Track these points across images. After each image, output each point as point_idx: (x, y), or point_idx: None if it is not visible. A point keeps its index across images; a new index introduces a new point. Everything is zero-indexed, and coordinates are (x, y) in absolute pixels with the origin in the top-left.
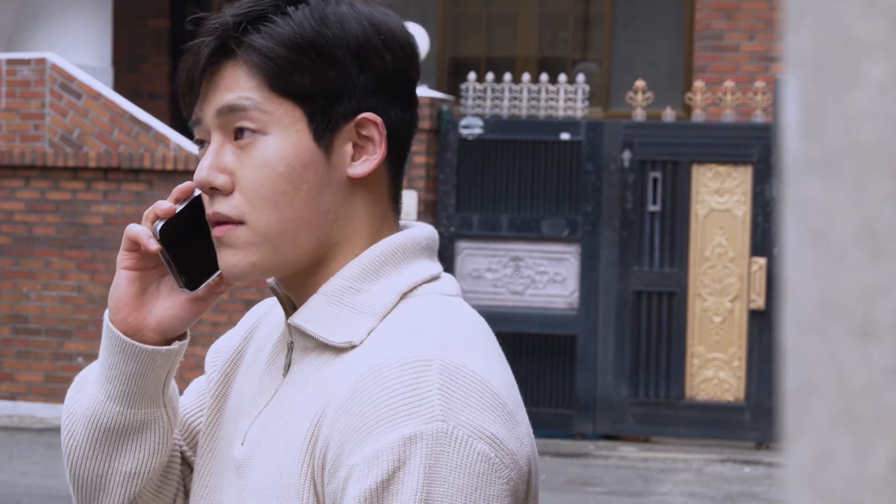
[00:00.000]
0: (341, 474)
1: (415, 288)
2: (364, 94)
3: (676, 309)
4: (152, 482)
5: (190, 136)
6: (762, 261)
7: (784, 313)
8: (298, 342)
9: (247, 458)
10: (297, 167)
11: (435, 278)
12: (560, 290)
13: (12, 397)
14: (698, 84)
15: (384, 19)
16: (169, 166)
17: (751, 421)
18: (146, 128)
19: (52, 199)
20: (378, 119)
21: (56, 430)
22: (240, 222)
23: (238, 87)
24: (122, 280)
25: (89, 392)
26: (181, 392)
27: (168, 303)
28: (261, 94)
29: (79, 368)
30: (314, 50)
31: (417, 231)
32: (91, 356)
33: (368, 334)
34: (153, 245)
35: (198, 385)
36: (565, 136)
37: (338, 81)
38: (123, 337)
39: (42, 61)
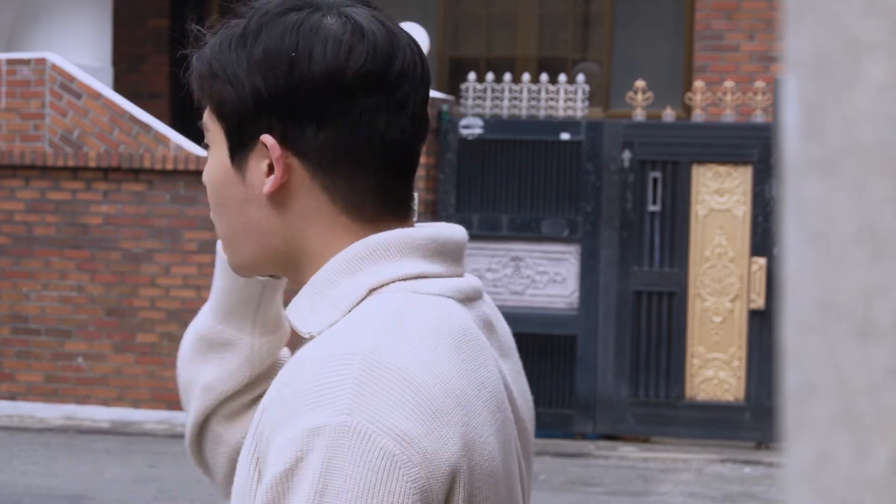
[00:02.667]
0: (267, 460)
1: (386, 284)
2: (267, 114)
3: (676, 309)
4: (229, 407)
5: (189, 135)
6: (762, 261)
7: (784, 313)
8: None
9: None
10: (218, 183)
11: (419, 277)
12: (560, 290)
13: (12, 397)
14: (698, 84)
15: (313, 34)
16: (169, 166)
17: (751, 421)
18: (146, 128)
19: (52, 199)
20: (269, 141)
21: (55, 431)
22: None
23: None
24: None
25: (206, 304)
26: None
27: None
28: (207, 112)
29: (79, 368)
30: (222, 70)
31: (412, 230)
32: (91, 356)
33: (329, 327)
34: None
35: None
36: (565, 136)
37: (241, 101)
38: (221, 252)
39: (42, 61)
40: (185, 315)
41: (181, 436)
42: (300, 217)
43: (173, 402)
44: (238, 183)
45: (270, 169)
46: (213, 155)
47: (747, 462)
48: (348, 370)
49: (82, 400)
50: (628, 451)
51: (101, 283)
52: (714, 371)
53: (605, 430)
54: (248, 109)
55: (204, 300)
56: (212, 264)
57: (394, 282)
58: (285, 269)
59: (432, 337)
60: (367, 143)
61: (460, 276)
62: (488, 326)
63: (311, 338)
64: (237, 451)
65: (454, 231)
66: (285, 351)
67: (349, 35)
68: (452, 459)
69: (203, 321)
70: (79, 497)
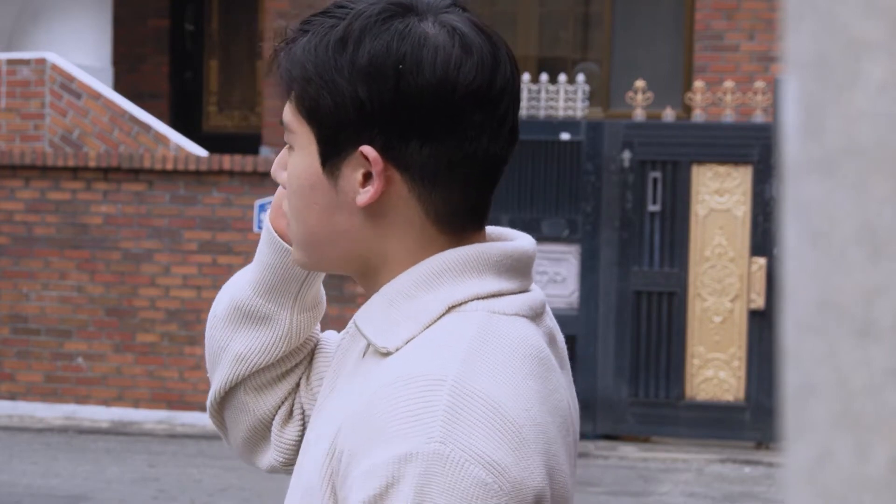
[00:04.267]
0: (348, 483)
1: (466, 302)
2: (369, 125)
3: (676, 309)
4: (259, 379)
5: (189, 135)
6: (762, 261)
7: (784, 313)
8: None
9: (306, 440)
10: (306, 187)
11: (496, 295)
12: (560, 290)
13: (12, 397)
14: (698, 84)
15: (420, 45)
16: (169, 166)
17: (751, 421)
18: (146, 128)
19: (52, 199)
20: (372, 153)
21: (55, 431)
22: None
23: (286, 103)
24: (280, 192)
25: (244, 274)
26: None
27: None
28: (290, 112)
29: (79, 368)
30: (318, 75)
31: (491, 245)
32: (91, 356)
33: (407, 343)
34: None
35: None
36: (565, 136)
37: (340, 109)
38: (271, 227)
39: (42, 61)
40: (185, 315)
41: (181, 436)
42: (390, 226)
43: (173, 402)
44: (328, 189)
45: (365, 178)
46: (300, 157)
47: (747, 462)
48: (438, 396)
49: (82, 400)
50: (628, 451)
51: (101, 283)
52: (714, 371)
53: (605, 430)
54: (346, 118)
55: (204, 300)
56: (212, 264)
57: (472, 300)
58: (360, 273)
59: (514, 362)
60: (469, 158)
61: (529, 289)
62: (552, 340)
63: (389, 353)
64: (261, 422)
65: (525, 243)
66: (317, 326)
67: (458, 48)
68: (538, 488)
69: (241, 292)
70: (79, 497)
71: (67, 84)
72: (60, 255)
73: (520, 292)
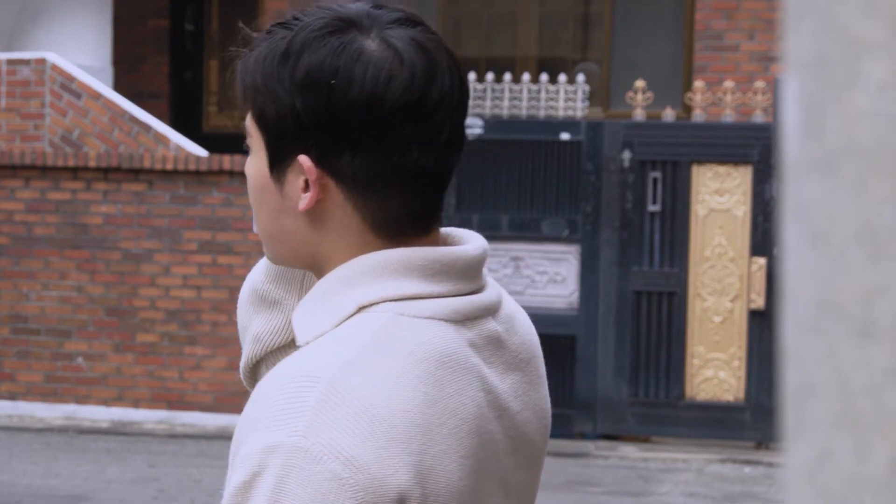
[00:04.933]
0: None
1: (377, 303)
2: (305, 135)
3: (676, 309)
4: (276, 357)
5: (189, 135)
6: (762, 261)
7: (784, 313)
8: None
9: None
10: (258, 189)
11: (413, 298)
12: (560, 290)
13: (12, 397)
14: (698, 84)
15: (354, 59)
16: (169, 166)
17: (751, 421)
18: (146, 128)
19: (52, 199)
20: (306, 163)
21: (55, 431)
22: None
23: None
24: None
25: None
26: None
27: None
28: (249, 118)
29: (79, 368)
30: (263, 85)
31: (419, 250)
32: (91, 356)
33: (316, 338)
34: None
35: None
36: (565, 136)
37: (281, 119)
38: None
39: (42, 61)
40: (185, 315)
41: (181, 436)
42: (331, 231)
43: (173, 402)
44: (276, 192)
45: (307, 185)
46: (254, 160)
47: (747, 462)
48: (311, 392)
49: (82, 400)
50: (628, 451)
51: (101, 283)
52: (714, 371)
53: (605, 430)
54: (287, 128)
55: (204, 300)
56: (211, 264)
57: (384, 301)
58: (313, 270)
59: (403, 364)
60: (400, 169)
61: (474, 292)
62: (493, 343)
63: (299, 347)
64: None
65: (468, 248)
66: None
67: (389, 63)
68: (402, 485)
69: (257, 276)
70: (79, 497)
71: (67, 84)
72: (60, 255)
73: (452, 296)
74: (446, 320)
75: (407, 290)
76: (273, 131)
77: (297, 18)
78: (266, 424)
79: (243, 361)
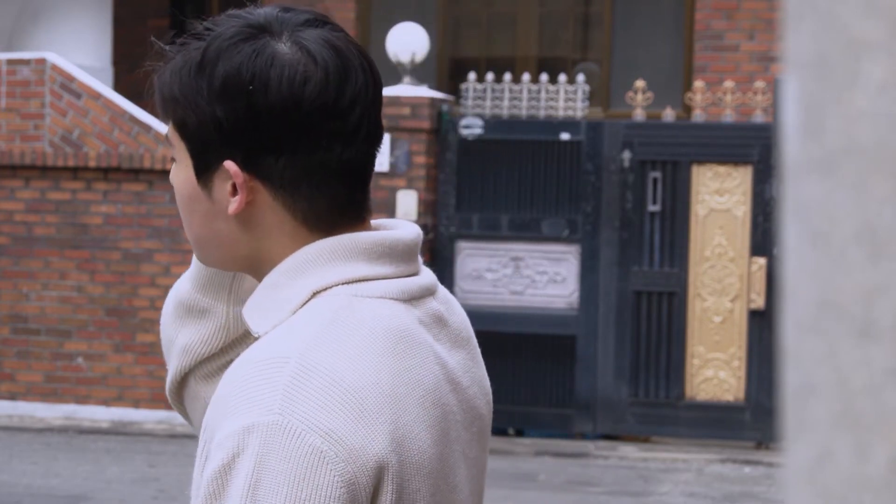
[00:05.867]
0: (208, 455)
1: (329, 287)
2: (228, 141)
3: (676, 309)
4: (207, 367)
5: None
6: (762, 261)
7: (784, 313)
8: None
9: None
10: (186, 197)
11: (363, 280)
12: (560, 290)
13: (12, 397)
14: (698, 84)
15: (268, 64)
16: (169, 166)
17: (751, 421)
18: (146, 128)
19: (52, 199)
20: (232, 168)
21: (55, 431)
22: None
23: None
24: None
25: (188, 270)
26: None
27: None
28: (170, 128)
29: (79, 368)
30: (182, 96)
31: (361, 235)
32: (91, 356)
33: (273, 328)
34: None
35: None
36: (565, 136)
37: (202, 128)
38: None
39: (42, 61)
40: None
41: (181, 436)
42: (263, 230)
43: None
44: (205, 198)
45: (235, 188)
46: (179, 169)
47: (747, 462)
48: (281, 372)
49: (82, 400)
50: (628, 451)
51: (101, 283)
52: (714, 371)
53: (605, 430)
54: (209, 136)
55: None
56: None
57: (337, 285)
58: (250, 271)
59: (365, 340)
60: (324, 166)
61: (413, 275)
62: (438, 321)
63: (258, 338)
64: None
65: (404, 232)
66: None
67: (304, 65)
68: (379, 455)
69: (182, 288)
70: (79, 497)
71: (67, 84)
72: (60, 255)
73: (395, 277)
74: (396, 299)
75: (356, 272)
76: (196, 140)
77: (208, 29)
78: (239, 408)
79: (171, 376)
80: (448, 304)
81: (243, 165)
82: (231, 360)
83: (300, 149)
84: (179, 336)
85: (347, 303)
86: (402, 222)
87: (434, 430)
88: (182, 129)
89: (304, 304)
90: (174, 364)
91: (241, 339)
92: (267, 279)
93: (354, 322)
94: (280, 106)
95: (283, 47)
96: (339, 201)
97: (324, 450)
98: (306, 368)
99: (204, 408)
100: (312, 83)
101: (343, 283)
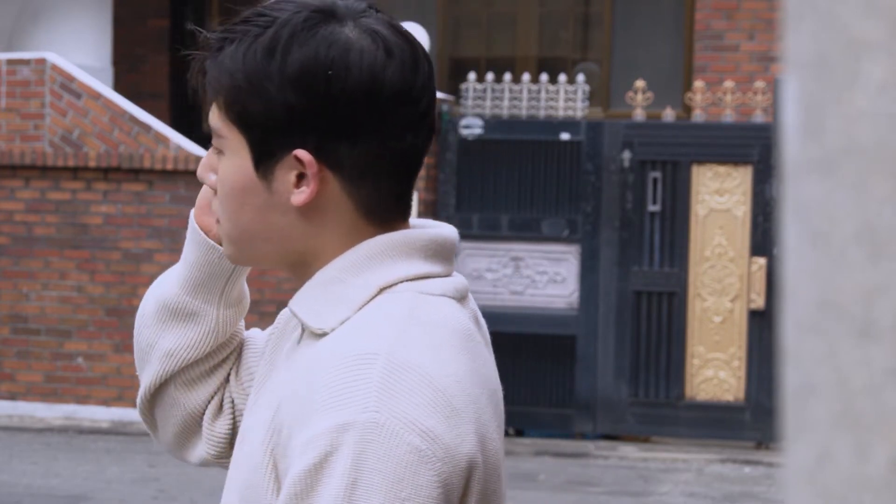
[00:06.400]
0: (288, 455)
1: (395, 284)
2: (301, 129)
3: (676, 309)
4: (189, 374)
5: (189, 135)
6: (762, 261)
7: (784, 313)
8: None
9: (246, 427)
10: (238, 189)
11: (423, 277)
12: (560, 290)
13: (12, 397)
14: (698, 84)
15: (346, 49)
16: (169, 166)
17: (751, 421)
18: (146, 128)
19: (52, 199)
20: (307, 157)
21: (55, 431)
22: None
23: (211, 109)
24: (205, 190)
25: (172, 272)
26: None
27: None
28: (219, 118)
29: (79, 368)
30: (249, 84)
31: (417, 231)
32: (91, 356)
33: (342, 324)
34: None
35: (269, 330)
36: (565, 136)
37: (272, 115)
38: (196, 226)
39: (42, 61)
40: None
41: None
42: (323, 223)
43: None
44: (262, 191)
45: (298, 179)
46: (231, 161)
47: (747, 462)
48: (372, 369)
49: (82, 400)
50: (628, 451)
51: (101, 283)
52: (714, 371)
53: (605, 430)
54: (278, 124)
55: None
56: None
57: (402, 282)
58: (292, 265)
59: (443, 338)
60: (393, 154)
61: (452, 274)
62: (477, 321)
63: (324, 334)
64: (191, 416)
65: (449, 231)
66: (241, 323)
67: (381, 51)
68: (470, 454)
69: (168, 290)
70: (79, 497)
71: (67, 84)
72: (60, 255)
73: (447, 276)
74: (452, 298)
75: (418, 269)
76: (259, 128)
77: (264, 15)
78: (330, 405)
79: (149, 381)
80: (476, 306)
81: (315, 154)
82: (215, 366)
83: (375, 136)
84: (162, 340)
85: (416, 300)
86: (436, 222)
87: (499, 431)
88: (242, 116)
89: (371, 299)
90: (154, 369)
91: (227, 343)
92: (322, 275)
93: (429, 320)
94: (360, 91)
95: (353, 33)
96: (395, 193)
97: (422, 449)
98: (397, 365)
99: (181, 416)
100: (391, 69)
101: (407, 280)
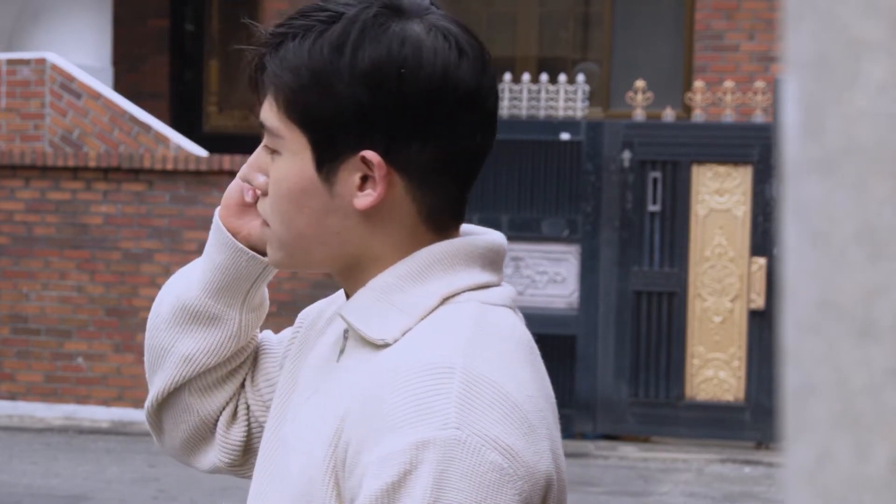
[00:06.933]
0: (358, 472)
1: (457, 294)
2: (370, 129)
3: (676, 309)
4: (204, 380)
5: (189, 136)
6: (762, 261)
7: (784, 313)
8: (351, 331)
9: (287, 438)
10: (297, 191)
11: (483, 286)
12: (560, 290)
13: (12, 397)
14: (698, 84)
15: (419, 47)
16: (169, 166)
17: (751, 421)
18: (146, 128)
19: (52, 199)
20: (376, 158)
21: (55, 431)
22: (268, 224)
23: (265, 106)
24: (235, 186)
25: (190, 273)
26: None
27: (261, 223)
28: (277, 118)
29: (79, 368)
30: (315, 81)
31: (475, 238)
32: (91, 356)
33: (403, 334)
34: (248, 196)
35: (287, 332)
36: (565, 136)
37: (339, 114)
38: (222, 227)
39: (42, 61)
40: None
41: None
42: (384, 226)
43: None
44: (323, 193)
45: (362, 181)
46: (289, 162)
47: (747, 462)
48: (450, 383)
49: (82, 400)
50: (628, 451)
51: (101, 283)
52: (714, 371)
53: (605, 430)
54: (345, 123)
55: None
56: None
57: (464, 291)
58: (345, 270)
59: (511, 351)
60: (462, 156)
61: (503, 283)
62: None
63: (386, 345)
64: (204, 423)
65: (500, 238)
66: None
67: (455, 50)
68: (547, 471)
69: (189, 293)
70: (79, 497)
71: (67, 84)
72: (60, 255)
73: (499, 285)
74: (510, 308)
75: (479, 278)
76: (324, 127)
77: (325, 10)
78: (406, 421)
79: (161, 387)
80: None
81: (384, 155)
82: (231, 372)
83: (445, 137)
84: (179, 344)
85: (481, 311)
86: (485, 228)
87: (561, 444)
88: (305, 115)
89: (434, 310)
90: (168, 374)
91: (244, 348)
92: (379, 282)
93: (496, 332)
94: (433, 90)
95: (423, 31)
96: (455, 196)
97: (504, 466)
98: (474, 379)
99: (194, 423)
100: (463, 68)
101: (470, 290)
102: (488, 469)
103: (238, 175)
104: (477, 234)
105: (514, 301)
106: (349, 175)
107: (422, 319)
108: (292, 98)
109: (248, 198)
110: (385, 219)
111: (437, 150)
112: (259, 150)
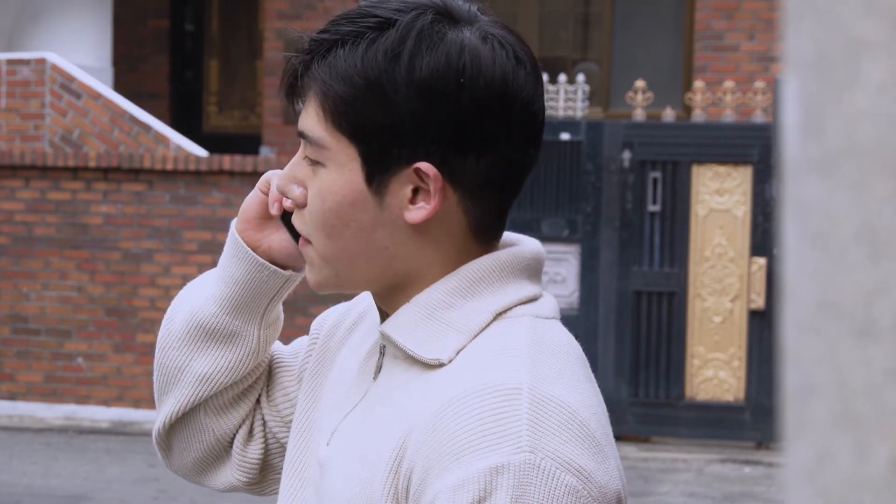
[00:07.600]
0: (426, 499)
1: (510, 308)
2: (426, 140)
3: (676, 309)
4: (220, 399)
5: (189, 136)
6: (762, 261)
7: (784, 313)
8: (390, 348)
9: (329, 459)
10: (344, 205)
11: (532, 299)
12: (560, 290)
13: (12, 397)
14: (698, 84)
15: (477, 56)
16: (169, 166)
17: (751, 421)
18: (146, 128)
19: (52, 199)
20: (432, 171)
21: (55, 431)
22: (308, 240)
23: (308, 115)
24: (255, 198)
25: (204, 288)
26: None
27: (283, 236)
28: (322, 128)
29: (79, 368)
30: (369, 90)
31: (520, 250)
32: (91, 356)
33: (458, 353)
34: (273, 210)
35: (300, 343)
36: (565, 136)
37: (394, 124)
38: (241, 241)
39: (42, 61)
40: None
41: None
42: (434, 241)
43: None
44: (373, 206)
45: (414, 193)
46: (335, 175)
47: (747, 462)
48: (517, 405)
49: (82, 400)
50: (628, 451)
51: (101, 283)
52: (714, 371)
53: None
54: (399, 133)
55: None
56: (212, 264)
57: (516, 305)
58: (389, 288)
59: (571, 366)
60: (515, 168)
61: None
62: None
63: (441, 364)
64: (219, 442)
65: (539, 247)
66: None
67: (512, 60)
68: (618, 490)
69: (205, 309)
70: (79, 497)
71: (67, 84)
72: (60, 255)
73: (542, 296)
74: (558, 319)
75: (528, 291)
76: (376, 139)
77: (373, 15)
78: (478, 445)
79: (176, 406)
80: None
81: (439, 167)
82: (247, 389)
83: (501, 149)
84: (194, 363)
85: (536, 326)
86: (520, 236)
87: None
88: (356, 125)
89: (487, 326)
90: (183, 394)
91: (259, 365)
92: (425, 298)
93: (556, 348)
94: (492, 101)
95: (478, 38)
96: (502, 208)
97: (578, 489)
98: (542, 399)
99: (208, 441)
100: (521, 77)
101: (520, 304)
102: (564, 493)
103: (275, 186)
104: (518, 245)
105: (559, 312)
106: (401, 188)
107: (475, 337)
108: (343, 108)
109: (274, 211)
110: (435, 233)
111: (492, 162)
112: (296, 161)
